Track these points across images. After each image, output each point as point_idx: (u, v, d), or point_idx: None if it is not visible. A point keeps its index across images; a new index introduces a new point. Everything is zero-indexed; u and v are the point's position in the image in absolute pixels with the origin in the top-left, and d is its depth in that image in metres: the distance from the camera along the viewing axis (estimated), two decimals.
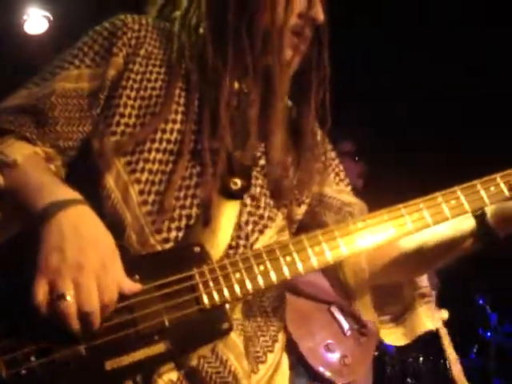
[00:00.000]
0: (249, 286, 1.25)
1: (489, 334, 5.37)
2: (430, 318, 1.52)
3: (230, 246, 1.33)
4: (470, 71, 4.52)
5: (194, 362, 1.27)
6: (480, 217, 1.40)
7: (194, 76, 1.40)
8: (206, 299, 1.22)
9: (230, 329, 1.25)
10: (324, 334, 3.10)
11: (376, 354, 4.14)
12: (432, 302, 1.55)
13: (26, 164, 1.23)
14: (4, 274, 1.16)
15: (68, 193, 1.19)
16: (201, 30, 1.44)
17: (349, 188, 1.64)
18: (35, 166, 1.25)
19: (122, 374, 1.17)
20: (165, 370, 1.24)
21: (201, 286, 1.23)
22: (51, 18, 4.54)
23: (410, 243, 1.47)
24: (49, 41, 4.53)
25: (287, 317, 3.00)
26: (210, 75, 1.39)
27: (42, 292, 1.09)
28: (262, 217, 1.40)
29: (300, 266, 1.29)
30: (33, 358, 1.12)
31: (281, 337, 1.47)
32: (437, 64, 4.48)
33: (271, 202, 1.43)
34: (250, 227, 1.37)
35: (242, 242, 1.35)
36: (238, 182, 1.37)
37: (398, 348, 4.94)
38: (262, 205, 1.41)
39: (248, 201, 1.38)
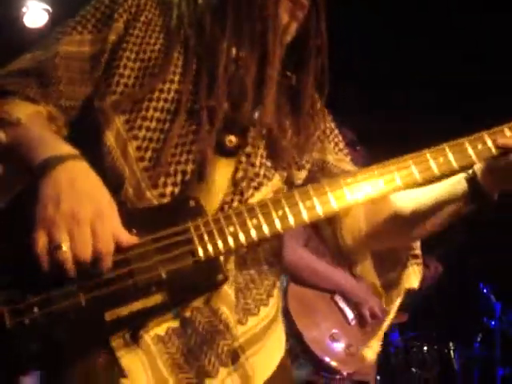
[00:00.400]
0: (242, 238, 1.28)
1: (493, 322, 5.38)
2: (418, 279, 1.55)
3: (224, 201, 1.36)
4: (469, 58, 4.54)
5: (187, 313, 1.30)
6: (471, 177, 1.44)
7: (192, 41, 1.43)
8: (200, 252, 1.25)
9: (225, 280, 1.28)
10: (328, 323, 3.08)
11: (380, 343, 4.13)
12: (421, 264, 1.58)
13: (28, 122, 1.28)
14: (9, 232, 1.20)
15: (67, 148, 1.23)
16: (199, 1, 1.48)
17: (348, 158, 1.67)
18: (37, 123, 1.30)
19: (120, 324, 1.20)
20: (152, 325, 1.26)
21: (196, 238, 1.26)
22: (51, 11, 4.55)
23: (405, 203, 1.50)
24: (49, 34, 4.54)
25: (291, 306, 2.99)
26: (208, 41, 1.43)
27: (40, 242, 1.12)
28: (257, 175, 1.42)
29: (291, 220, 1.32)
30: (36, 309, 1.15)
31: (276, 293, 1.49)
32: (435, 51, 4.50)
33: (268, 163, 1.45)
34: (244, 184, 1.39)
35: (237, 198, 1.37)
36: (233, 140, 1.39)
37: (403, 337, 4.96)
38: (258, 163, 1.43)
39: (243, 158, 1.40)
